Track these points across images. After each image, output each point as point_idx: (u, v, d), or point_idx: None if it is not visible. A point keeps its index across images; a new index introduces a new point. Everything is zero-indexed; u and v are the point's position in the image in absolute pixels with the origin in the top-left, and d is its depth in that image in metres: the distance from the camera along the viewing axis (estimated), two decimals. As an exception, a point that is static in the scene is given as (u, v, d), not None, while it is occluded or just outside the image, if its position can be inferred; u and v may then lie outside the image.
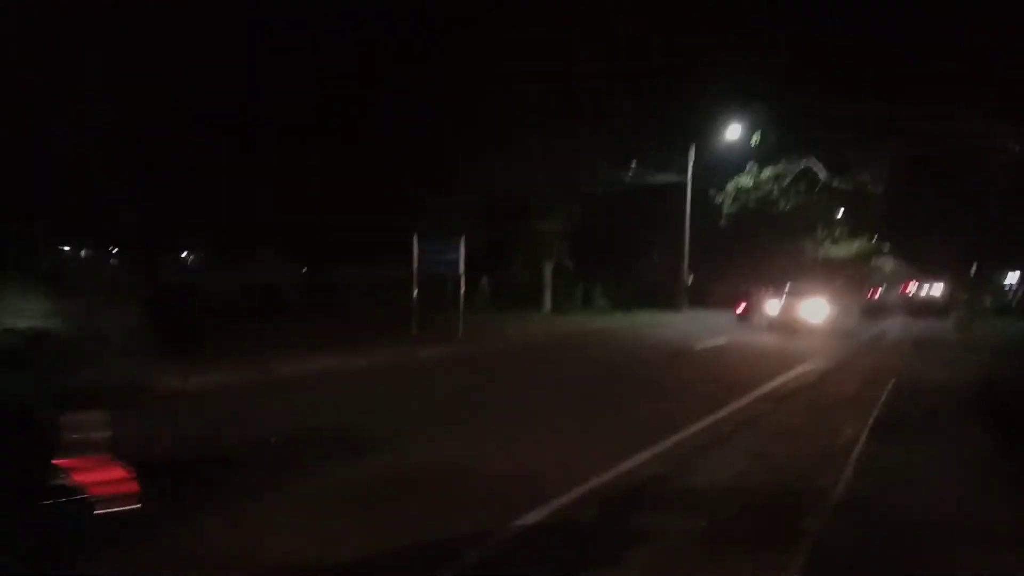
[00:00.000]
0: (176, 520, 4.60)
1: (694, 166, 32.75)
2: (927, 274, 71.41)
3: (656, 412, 8.93)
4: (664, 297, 32.56)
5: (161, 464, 5.38)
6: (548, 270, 29.74)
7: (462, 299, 18.79)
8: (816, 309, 23.39)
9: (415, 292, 18.49)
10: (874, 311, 36.90)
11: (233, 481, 5.71)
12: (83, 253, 37.81)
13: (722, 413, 9.03)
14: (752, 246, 39.16)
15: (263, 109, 18.59)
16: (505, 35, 21.81)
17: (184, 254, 36.18)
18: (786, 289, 25.23)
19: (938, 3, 15.07)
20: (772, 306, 24.65)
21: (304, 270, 29.48)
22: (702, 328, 23.02)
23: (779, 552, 4.52)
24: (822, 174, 31.69)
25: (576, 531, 4.85)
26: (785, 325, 23.00)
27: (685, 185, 32.71)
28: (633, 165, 29.24)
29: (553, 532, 4.77)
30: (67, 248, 35.40)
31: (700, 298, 34.06)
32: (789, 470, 6.54)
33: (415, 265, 18.46)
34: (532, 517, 4.92)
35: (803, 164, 31.72)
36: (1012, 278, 37.52)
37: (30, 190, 15.81)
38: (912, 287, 78.22)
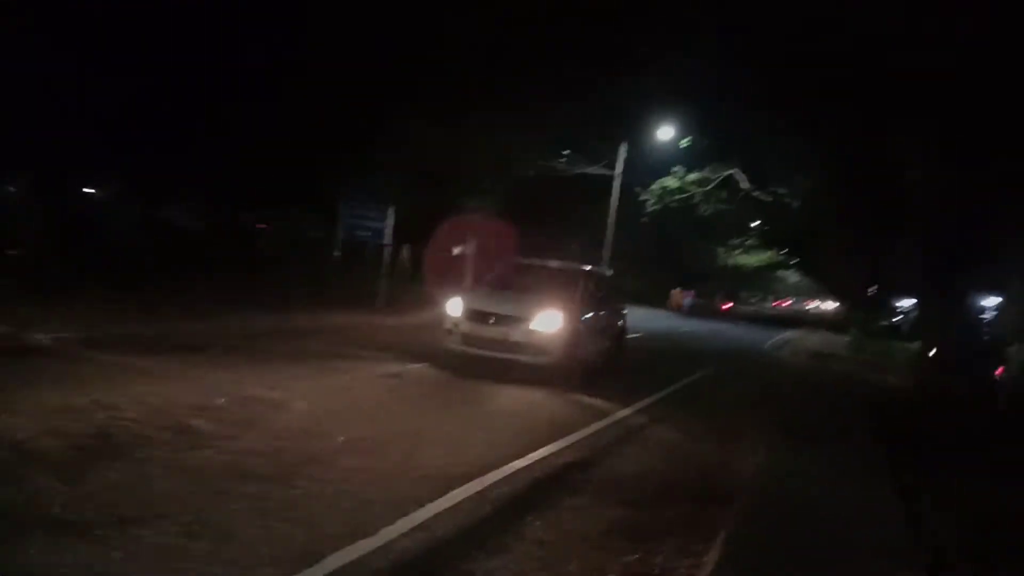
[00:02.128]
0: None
1: (625, 163, 33.15)
2: (829, 291, 74.86)
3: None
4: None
5: None
6: (471, 248, 29.57)
7: (384, 268, 18.53)
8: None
9: (336, 254, 18.13)
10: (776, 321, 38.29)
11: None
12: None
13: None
14: (671, 246, 40.15)
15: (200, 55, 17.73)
16: (452, 5, 21.39)
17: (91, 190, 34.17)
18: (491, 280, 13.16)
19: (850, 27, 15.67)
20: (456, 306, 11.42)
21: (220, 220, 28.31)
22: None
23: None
24: (744, 184, 32.54)
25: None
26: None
27: (613, 180, 33.09)
28: (566, 154, 29.37)
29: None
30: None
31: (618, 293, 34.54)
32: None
33: (339, 227, 18.07)
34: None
35: (727, 172, 32.48)
36: (908, 303, 39.60)
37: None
38: (787, 303, 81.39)
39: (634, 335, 20.01)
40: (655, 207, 34.10)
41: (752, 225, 45.10)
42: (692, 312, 38.67)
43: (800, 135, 25.35)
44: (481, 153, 24.47)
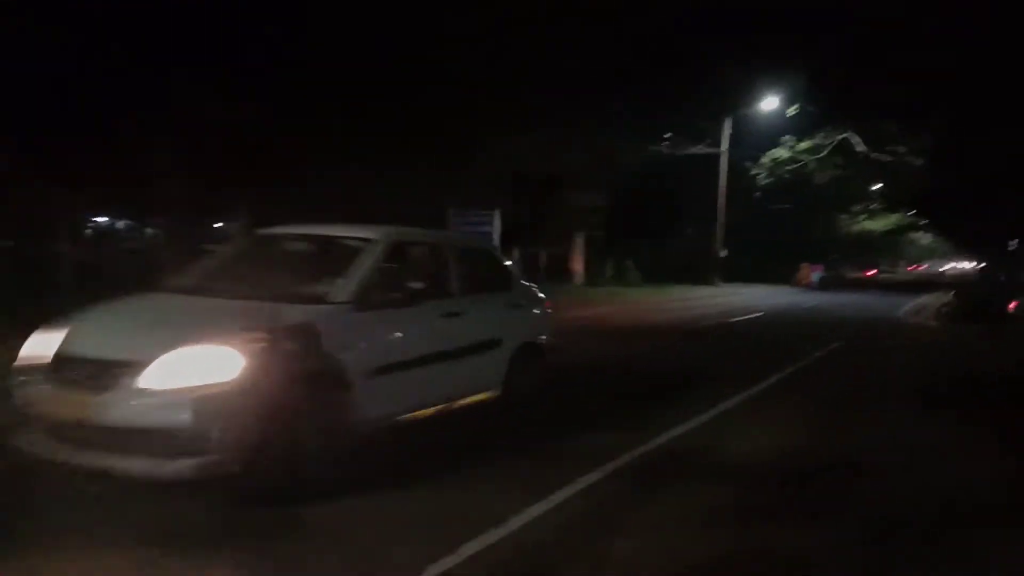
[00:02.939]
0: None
1: (731, 139, 32.43)
2: (964, 250, 70.30)
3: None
4: (697, 271, 32.38)
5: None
6: (580, 243, 29.67)
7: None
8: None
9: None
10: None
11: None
12: (119, 224, 38.40)
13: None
14: (788, 220, 38.79)
15: (301, 89, 18.57)
16: (536, 8, 21.51)
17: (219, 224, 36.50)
18: None
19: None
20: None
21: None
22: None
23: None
24: (859, 146, 31.09)
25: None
26: None
27: (720, 157, 32.43)
28: (668, 137, 28.98)
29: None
30: (103, 219, 36.04)
31: (734, 272, 33.83)
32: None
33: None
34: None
35: (840, 137, 31.15)
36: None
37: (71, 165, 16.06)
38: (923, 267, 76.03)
39: (755, 314, 19.55)
40: (767, 180, 33.17)
41: (873, 188, 43.07)
42: (823, 286, 37.21)
43: (919, 87, 24.00)
44: (583, 149, 24.47)
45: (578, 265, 29.49)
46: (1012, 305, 16.69)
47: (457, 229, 18.40)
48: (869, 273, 55.69)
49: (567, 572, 3.70)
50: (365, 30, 18.84)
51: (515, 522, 4.12)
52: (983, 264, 18.89)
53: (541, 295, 7.34)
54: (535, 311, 7.11)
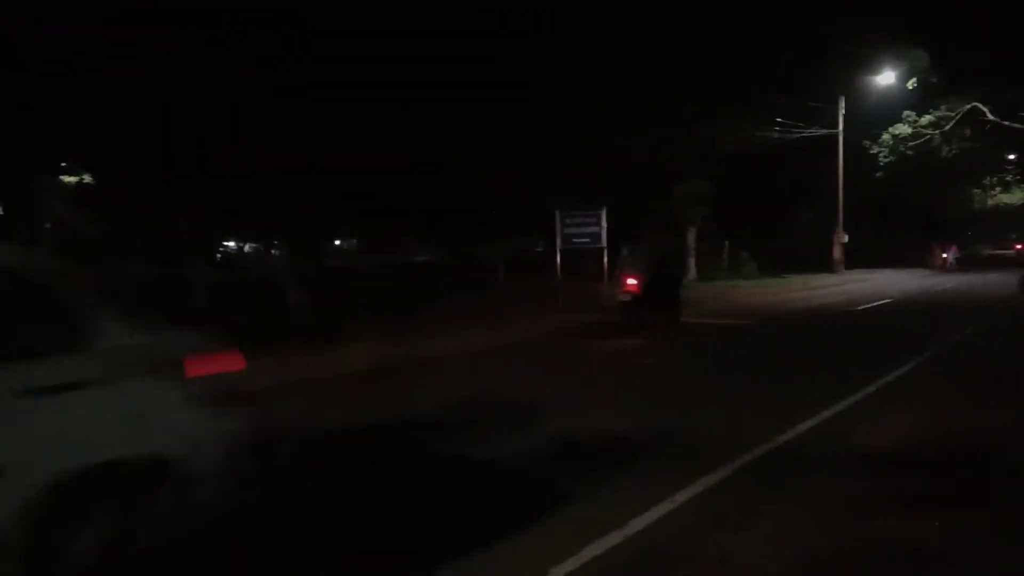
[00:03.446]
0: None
1: (845, 117, 31.05)
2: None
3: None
4: (816, 259, 31.16)
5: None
6: (691, 236, 29.06)
7: (606, 271, 18.72)
8: None
9: (558, 267, 18.60)
10: None
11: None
12: (246, 248, 40.70)
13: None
14: (910, 200, 36.67)
15: (409, 107, 19.13)
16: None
17: (337, 242, 38.22)
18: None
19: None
20: None
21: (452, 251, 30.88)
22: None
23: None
24: (989, 115, 29.09)
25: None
26: None
27: (836, 138, 31.09)
28: (779, 121, 28.02)
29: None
30: (231, 244, 38.34)
31: (855, 259, 32.37)
32: None
33: (558, 241, 18.46)
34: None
35: (966, 107, 29.23)
36: None
37: (201, 192, 17.18)
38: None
39: (883, 301, 18.68)
40: (888, 159, 31.50)
41: (1009, 158, 40.17)
42: (958, 266, 35.12)
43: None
44: (679, 137, 24.02)
45: (688, 260, 28.91)
46: None
47: (565, 232, 18.39)
48: (1019, 247, 52.15)
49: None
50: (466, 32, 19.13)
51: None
52: None
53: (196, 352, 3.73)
54: (155, 394, 3.48)
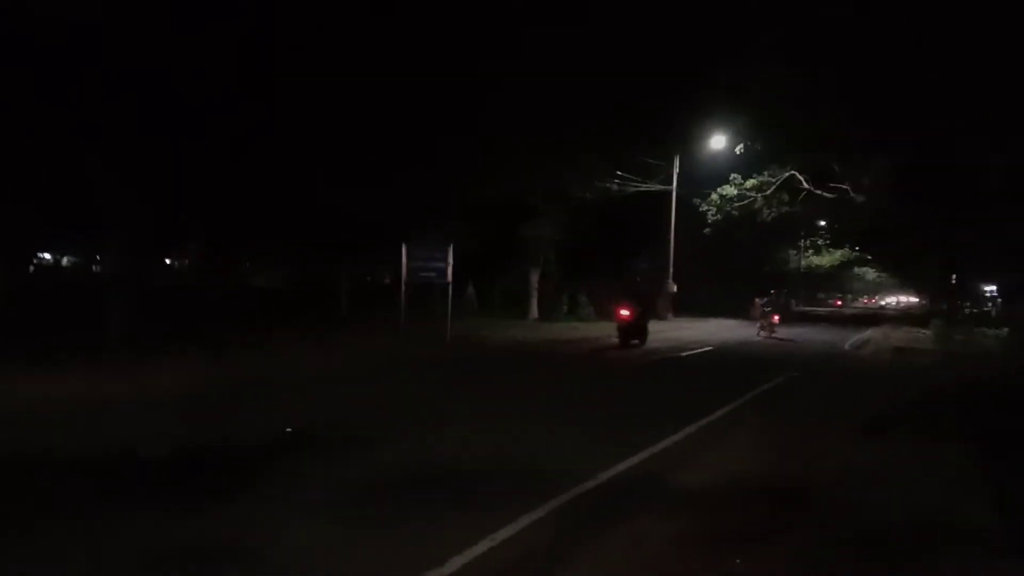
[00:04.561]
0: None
1: (681, 177, 33.16)
2: (909, 285, 72.31)
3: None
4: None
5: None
6: (535, 277, 29.92)
7: (450, 307, 18.86)
8: None
9: (402, 300, 18.55)
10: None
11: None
12: (64, 261, 37.72)
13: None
14: (736, 255, 39.58)
15: (258, 115, 18.40)
16: (503, 40, 21.70)
17: (168, 261, 36.07)
18: None
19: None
20: None
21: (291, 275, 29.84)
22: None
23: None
24: (805, 183, 31.97)
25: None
26: None
27: (671, 194, 33.10)
28: (618, 174, 29.53)
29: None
30: (46, 256, 35.40)
31: (686, 307, 34.38)
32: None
33: (403, 274, 18.45)
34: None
35: (786, 174, 31.99)
36: (992, 289, 38.06)
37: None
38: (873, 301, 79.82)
39: (705, 349, 19.87)
40: (716, 217, 33.80)
41: (820, 224, 44.22)
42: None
43: (863, 126, 24.66)
44: (535, 178, 24.77)
45: (531, 300, 29.71)
46: None
47: (411, 265, 18.39)
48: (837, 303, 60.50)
49: None
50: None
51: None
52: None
53: None
54: None
